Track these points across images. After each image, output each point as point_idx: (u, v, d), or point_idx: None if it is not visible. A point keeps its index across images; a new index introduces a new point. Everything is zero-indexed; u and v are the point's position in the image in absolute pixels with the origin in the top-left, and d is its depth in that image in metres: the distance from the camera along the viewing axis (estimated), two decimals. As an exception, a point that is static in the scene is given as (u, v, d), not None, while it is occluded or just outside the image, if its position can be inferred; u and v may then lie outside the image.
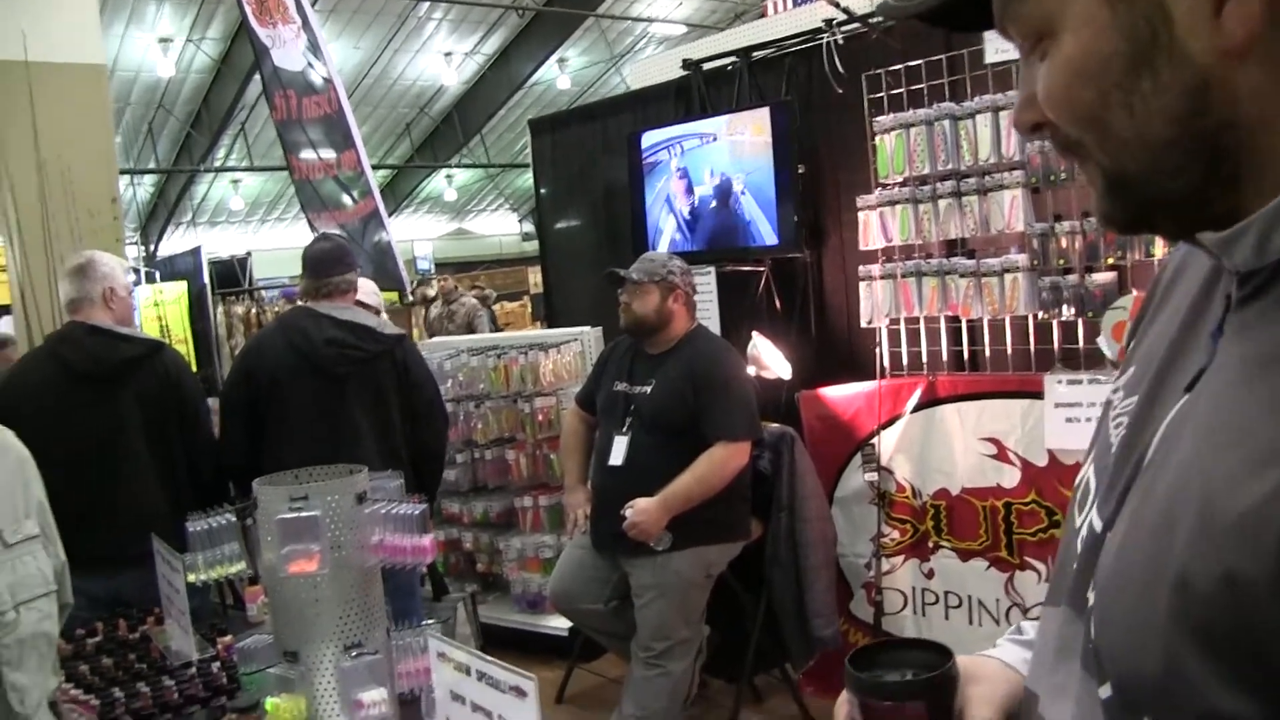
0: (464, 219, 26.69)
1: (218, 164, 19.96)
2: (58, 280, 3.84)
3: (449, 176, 23.75)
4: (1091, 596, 0.75)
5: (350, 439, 3.63)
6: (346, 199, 6.88)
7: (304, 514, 1.92)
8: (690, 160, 5.11)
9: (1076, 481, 0.87)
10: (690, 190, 5.12)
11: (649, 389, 3.84)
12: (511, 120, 20.99)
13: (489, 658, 1.73)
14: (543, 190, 6.51)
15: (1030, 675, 0.89)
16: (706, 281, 4.84)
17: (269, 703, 1.99)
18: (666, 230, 5.28)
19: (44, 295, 5.64)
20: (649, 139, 5.31)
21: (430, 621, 2.35)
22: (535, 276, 15.76)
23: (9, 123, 5.87)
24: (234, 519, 2.24)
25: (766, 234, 4.82)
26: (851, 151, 4.48)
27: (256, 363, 3.79)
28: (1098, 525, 0.78)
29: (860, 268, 4.31)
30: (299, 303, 4.08)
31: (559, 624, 4.97)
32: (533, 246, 16.98)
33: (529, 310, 16.06)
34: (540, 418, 5.18)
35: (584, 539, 4.03)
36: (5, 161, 5.91)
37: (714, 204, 5.04)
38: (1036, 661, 0.88)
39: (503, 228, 27.13)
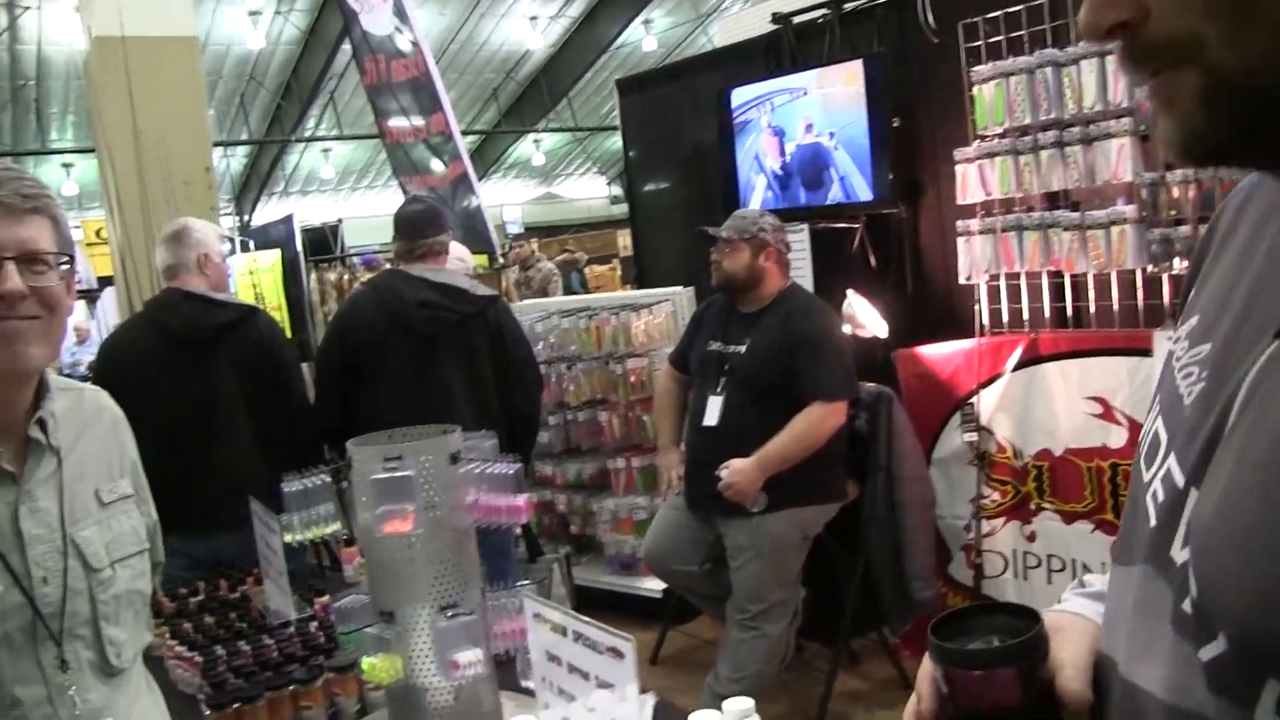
0: (552, 183, 26.76)
1: (308, 134, 20.24)
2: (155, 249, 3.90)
3: (536, 141, 23.81)
4: (1180, 555, 0.69)
5: (443, 399, 3.62)
6: (437, 163, 6.93)
7: (398, 474, 1.90)
8: (781, 116, 5.01)
9: (1141, 436, 0.80)
10: (782, 148, 5.03)
11: (743, 348, 3.78)
12: (598, 83, 20.93)
13: (586, 618, 1.70)
14: (631, 152, 6.47)
15: (1104, 638, 0.82)
16: (800, 239, 4.74)
17: (365, 662, 1.99)
18: (758, 188, 5.19)
19: (143, 264, 5.76)
20: (739, 96, 5.22)
21: (525, 583, 2.33)
22: (624, 240, 15.73)
23: (108, 97, 6.00)
24: (329, 480, 2.24)
25: (861, 189, 4.72)
26: (948, 103, 4.34)
27: (349, 325, 3.80)
28: (1179, 480, 0.72)
29: (958, 222, 4.19)
30: (388, 265, 4.09)
31: (653, 586, 4.96)
32: (621, 210, 16.98)
33: (618, 273, 16.04)
34: (632, 379, 5.15)
35: (678, 500, 4.00)
36: (105, 134, 6.05)
37: (806, 160, 4.94)
38: (1110, 623, 0.81)
39: (591, 191, 27.15)
